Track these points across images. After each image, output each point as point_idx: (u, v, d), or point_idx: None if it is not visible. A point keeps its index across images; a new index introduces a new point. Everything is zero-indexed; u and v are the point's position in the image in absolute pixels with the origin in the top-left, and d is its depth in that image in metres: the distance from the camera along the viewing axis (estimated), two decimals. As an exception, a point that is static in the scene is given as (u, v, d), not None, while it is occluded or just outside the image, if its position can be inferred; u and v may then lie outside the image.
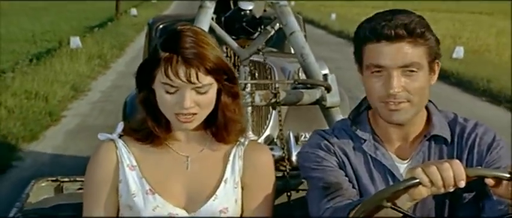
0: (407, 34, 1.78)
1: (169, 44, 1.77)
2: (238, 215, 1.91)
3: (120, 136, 1.89)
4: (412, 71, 1.80)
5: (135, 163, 1.87)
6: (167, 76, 1.74)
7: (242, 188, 1.91)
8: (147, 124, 1.85)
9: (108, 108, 8.86)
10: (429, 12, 29.55)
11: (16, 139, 7.05)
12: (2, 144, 6.71)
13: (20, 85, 9.25)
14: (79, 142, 7.12)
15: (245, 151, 1.92)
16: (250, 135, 1.93)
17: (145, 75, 1.81)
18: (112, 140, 1.88)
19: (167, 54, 1.75)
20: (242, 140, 1.92)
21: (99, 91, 10.44)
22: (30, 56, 13.18)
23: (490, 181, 1.63)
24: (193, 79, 1.74)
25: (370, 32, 1.81)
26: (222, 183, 1.88)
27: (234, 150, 1.91)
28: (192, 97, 1.76)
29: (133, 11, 26.27)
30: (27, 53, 13.82)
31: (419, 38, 1.79)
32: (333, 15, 26.13)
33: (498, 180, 1.63)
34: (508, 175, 1.61)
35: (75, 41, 14.28)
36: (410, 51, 1.79)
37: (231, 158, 1.91)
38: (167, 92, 1.77)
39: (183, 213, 1.85)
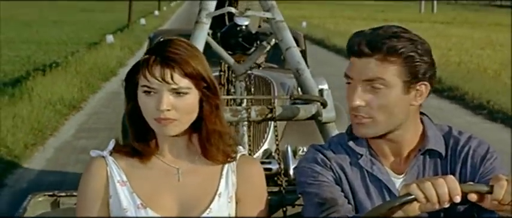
0: (369, 51, 1.76)
1: (153, 47, 1.79)
2: None
3: (111, 153, 1.88)
4: (377, 88, 1.77)
5: (125, 179, 1.85)
6: (144, 77, 1.74)
7: (236, 202, 1.88)
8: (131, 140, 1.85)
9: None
10: (413, 23, 31.04)
11: (96, 80, 13.11)
12: (86, 83, 12.57)
13: (87, 59, 15.10)
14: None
15: (237, 165, 1.90)
16: (240, 148, 1.93)
17: (130, 82, 1.81)
18: (103, 157, 1.86)
19: (147, 56, 1.76)
20: (233, 155, 1.89)
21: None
22: (84, 46, 18.64)
23: (487, 199, 1.60)
24: (168, 78, 1.73)
25: (346, 47, 1.83)
26: (216, 197, 1.85)
27: (226, 164, 1.88)
28: (169, 99, 1.74)
29: (142, 21, 29.45)
30: (64, 50, 18.08)
31: (391, 56, 1.76)
32: (304, 23, 28.88)
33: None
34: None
35: (110, 38, 19.14)
36: (377, 68, 1.76)
37: (224, 172, 1.88)
38: (146, 94, 1.76)
39: None
